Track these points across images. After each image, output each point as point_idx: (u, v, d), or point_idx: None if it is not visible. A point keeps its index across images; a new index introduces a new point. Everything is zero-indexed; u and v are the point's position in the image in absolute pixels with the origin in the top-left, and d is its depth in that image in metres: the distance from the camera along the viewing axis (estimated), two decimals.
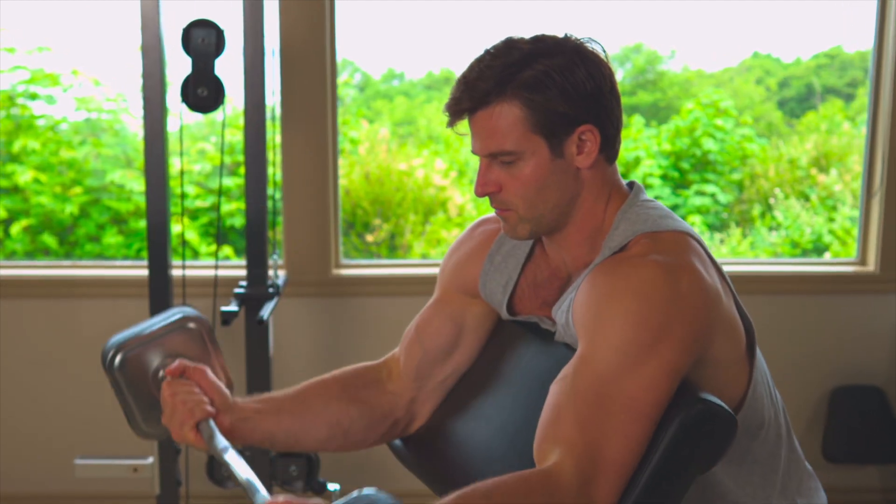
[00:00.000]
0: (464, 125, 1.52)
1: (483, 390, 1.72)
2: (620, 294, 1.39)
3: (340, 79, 5.76)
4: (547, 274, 1.63)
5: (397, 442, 1.83)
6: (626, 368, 1.36)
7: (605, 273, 1.45)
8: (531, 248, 1.67)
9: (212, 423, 1.55)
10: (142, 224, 4.42)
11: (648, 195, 1.59)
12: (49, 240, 4.68)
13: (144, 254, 3.72)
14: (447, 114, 1.50)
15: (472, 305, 1.75)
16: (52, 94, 4.85)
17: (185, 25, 2.42)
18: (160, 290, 2.51)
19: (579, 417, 1.35)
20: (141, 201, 4.52)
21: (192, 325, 1.67)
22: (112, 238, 4.74)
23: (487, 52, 1.48)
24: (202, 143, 5.01)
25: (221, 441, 1.52)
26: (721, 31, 5.69)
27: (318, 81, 2.92)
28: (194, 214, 4.78)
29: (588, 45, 1.49)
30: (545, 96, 1.43)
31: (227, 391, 1.63)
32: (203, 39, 2.42)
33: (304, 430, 1.69)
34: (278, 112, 2.93)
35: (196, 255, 4.63)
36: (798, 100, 6.19)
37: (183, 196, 2.64)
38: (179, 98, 2.45)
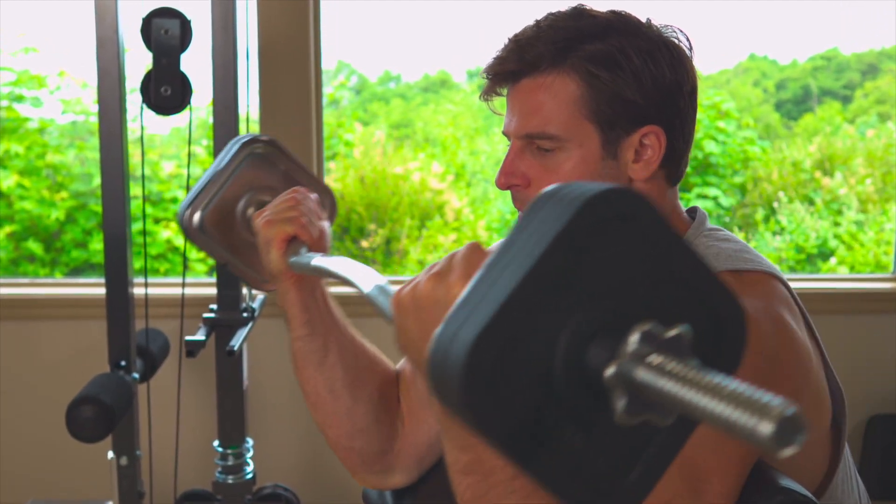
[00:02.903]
0: (501, 104, 1.13)
1: None
2: None
3: (336, 81, 5.63)
4: None
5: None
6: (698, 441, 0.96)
7: None
8: None
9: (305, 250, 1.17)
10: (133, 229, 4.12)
11: None
12: (34, 246, 4.44)
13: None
14: (485, 76, 1.12)
15: None
16: (39, 96, 4.57)
17: (145, 15, 2.03)
18: (119, 311, 2.11)
19: (661, 498, 0.96)
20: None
21: (259, 149, 1.33)
22: (99, 244, 4.46)
23: (550, 13, 1.10)
24: (192, 146, 4.70)
25: (310, 255, 1.12)
26: (718, 33, 5.64)
27: (301, 84, 2.52)
28: None
29: (671, 35, 1.12)
30: (614, 76, 1.06)
31: (329, 236, 1.23)
32: (166, 31, 2.02)
33: (329, 389, 1.26)
34: (257, 115, 2.54)
35: (186, 262, 4.32)
36: (795, 102, 6.06)
37: (145, 205, 2.23)
38: (141, 98, 2.06)
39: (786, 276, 1.14)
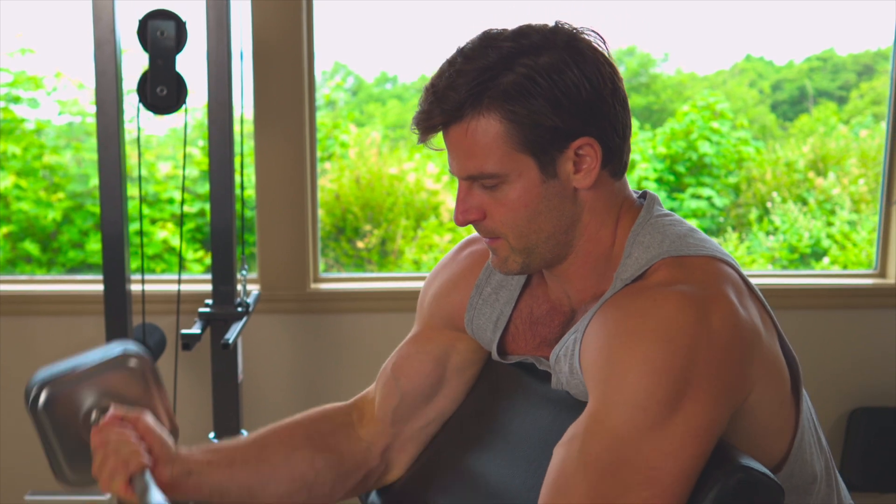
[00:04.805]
0: (439, 139, 1.20)
1: (471, 445, 1.38)
2: (638, 336, 1.07)
3: (333, 82, 5.67)
4: (546, 308, 1.30)
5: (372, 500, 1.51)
6: (645, 430, 1.04)
7: (618, 309, 1.12)
8: (527, 278, 1.34)
9: (148, 475, 1.25)
10: (130, 228, 4.16)
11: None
12: (31, 247, 4.47)
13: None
14: (416, 130, 1.18)
15: (457, 341, 1.42)
16: (35, 97, 4.61)
17: (141, 17, 2.10)
18: (117, 307, 2.18)
19: (593, 491, 1.04)
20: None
21: (133, 362, 1.37)
22: (96, 244, 4.50)
23: (460, 51, 1.15)
24: (188, 147, 4.74)
25: (156, 496, 1.21)
26: (714, 34, 5.62)
27: (294, 84, 2.58)
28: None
29: (584, 36, 1.16)
30: (529, 107, 1.12)
31: (169, 439, 1.32)
32: (162, 32, 2.10)
33: (262, 484, 1.38)
34: (251, 115, 2.60)
35: (182, 260, 4.37)
36: (791, 102, 6.07)
37: (142, 205, 2.31)
38: (137, 98, 2.14)
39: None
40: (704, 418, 1.05)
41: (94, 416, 1.34)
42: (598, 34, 1.18)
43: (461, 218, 1.20)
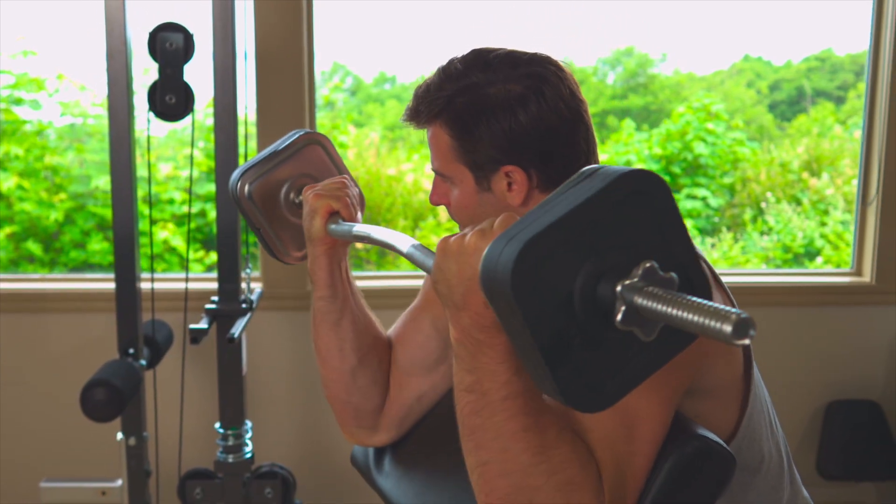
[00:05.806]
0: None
1: None
2: None
3: (331, 83, 5.79)
4: None
5: (371, 472, 1.65)
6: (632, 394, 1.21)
7: None
8: None
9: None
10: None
11: None
12: (33, 247, 4.57)
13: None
14: (405, 122, 1.41)
15: None
16: (37, 98, 4.73)
17: (151, 29, 2.27)
18: (128, 304, 2.34)
19: (603, 439, 1.17)
20: None
21: (312, 143, 1.61)
22: (97, 245, 4.62)
23: (444, 66, 1.37)
24: (189, 149, 4.86)
25: (355, 226, 1.38)
26: (712, 34, 5.67)
27: (295, 86, 2.75)
28: (182, 221, 4.65)
29: (551, 77, 1.33)
30: (470, 134, 1.33)
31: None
32: (170, 44, 2.26)
33: (327, 348, 1.55)
34: (253, 118, 2.77)
35: (187, 260, 4.46)
36: (789, 103, 6.13)
37: (151, 205, 2.48)
38: (147, 105, 2.30)
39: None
40: (673, 388, 1.20)
41: (292, 195, 1.56)
42: (554, 67, 1.34)
43: (433, 200, 1.43)
